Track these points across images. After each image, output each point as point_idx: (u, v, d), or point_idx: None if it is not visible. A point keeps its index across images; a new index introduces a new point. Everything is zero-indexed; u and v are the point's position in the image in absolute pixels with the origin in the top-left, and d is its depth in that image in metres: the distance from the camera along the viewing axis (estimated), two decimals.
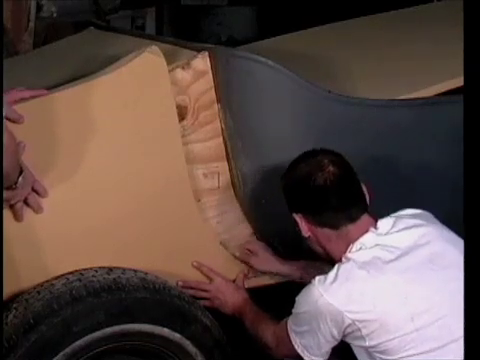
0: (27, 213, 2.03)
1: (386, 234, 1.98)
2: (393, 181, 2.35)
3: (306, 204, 2.01)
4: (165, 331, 2.09)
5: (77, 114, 2.09)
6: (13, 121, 1.98)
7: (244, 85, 2.23)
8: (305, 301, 1.95)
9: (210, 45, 2.29)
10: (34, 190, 2.02)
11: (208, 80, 2.21)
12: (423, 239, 1.97)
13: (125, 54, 2.19)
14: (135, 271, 2.14)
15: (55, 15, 4.09)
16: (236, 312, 2.27)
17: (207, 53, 2.21)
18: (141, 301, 2.06)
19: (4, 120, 1.75)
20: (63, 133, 2.07)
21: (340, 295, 1.88)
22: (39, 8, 3.96)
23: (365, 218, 1.99)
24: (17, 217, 2.02)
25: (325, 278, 1.92)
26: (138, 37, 2.59)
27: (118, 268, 2.13)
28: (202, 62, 2.20)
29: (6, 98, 1.94)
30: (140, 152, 2.17)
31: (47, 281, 2.07)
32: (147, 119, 2.16)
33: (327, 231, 2.00)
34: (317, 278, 1.93)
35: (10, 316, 2.02)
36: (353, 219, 1.98)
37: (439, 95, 2.43)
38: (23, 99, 2.06)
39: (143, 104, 2.14)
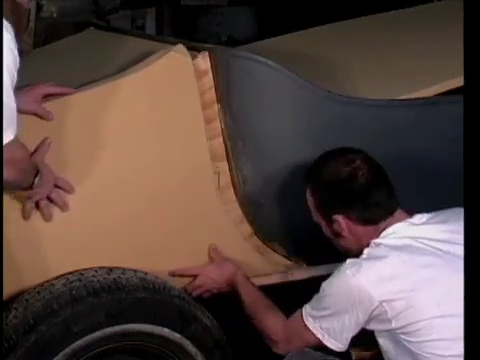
0: (56, 211, 2.06)
1: (420, 224, 2.03)
2: (393, 181, 2.34)
3: (350, 205, 2.03)
4: (165, 331, 2.09)
5: (104, 112, 2.11)
6: (42, 118, 2.02)
7: (244, 85, 2.23)
8: (335, 282, 1.98)
9: (210, 45, 2.29)
10: (59, 187, 2.04)
11: (208, 80, 2.21)
12: (459, 234, 1.97)
13: (125, 54, 2.20)
14: (135, 271, 2.14)
15: (55, 15, 4.08)
16: (230, 286, 2.26)
17: (207, 53, 2.20)
18: (141, 301, 2.06)
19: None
20: (91, 131, 2.10)
21: (371, 276, 1.93)
22: (39, 8, 3.96)
23: (401, 211, 2.06)
24: (43, 215, 2.05)
25: (356, 260, 1.97)
26: (138, 37, 2.59)
27: (118, 268, 2.13)
28: (202, 62, 2.20)
29: (33, 93, 2.02)
30: (166, 150, 2.19)
31: (47, 281, 2.08)
32: (173, 117, 2.18)
33: (366, 227, 2.03)
34: (349, 260, 1.97)
35: (10, 316, 2.02)
36: (392, 211, 2.04)
37: (439, 95, 2.43)
38: (50, 95, 2.08)
39: (169, 102, 2.17)
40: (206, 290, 2.30)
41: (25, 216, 2.03)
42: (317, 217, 2.11)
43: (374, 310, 1.92)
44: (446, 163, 2.37)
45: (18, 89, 1.90)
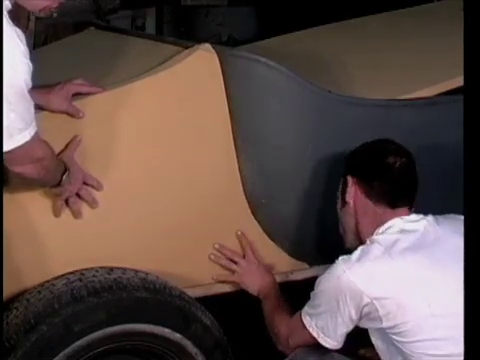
0: (83, 207, 2.09)
1: (415, 221, 2.05)
2: None
3: (366, 171, 2.08)
4: (166, 331, 2.09)
5: (133, 110, 2.14)
6: (73, 116, 2.05)
7: (244, 85, 2.23)
8: (327, 278, 2.00)
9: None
10: (87, 184, 2.07)
11: None
12: (453, 233, 2.00)
13: (125, 54, 2.21)
14: (136, 271, 2.14)
15: (55, 15, 4.08)
16: (261, 294, 2.28)
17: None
18: (142, 301, 2.06)
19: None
20: (119, 129, 2.12)
21: (362, 273, 1.95)
22: None
23: (404, 209, 2.07)
24: (73, 212, 2.08)
25: (349, 257, 1.98)
26: (138, 37, 2.60)
27: (119, 268, 2.13)
28: None
29: (63, 92, 2.06)
30: (194, 147, 2.21)
31: (48, 281, 2.08)
32: (201, 114, 2.21)
33: (368, 204, 2.06)
34: (341, 257, 1.99)
35: (11, 316, 2.02)
36: (393, 207, 2.05)
37: (440, 95, 2.43)
38: (79, 93, 2.10)
39: (197, 99, 2.19)
40: (239, 279, 2.31)
41: (55, 213, 2.06)
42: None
43: (365, 306, 1.94)
44: (446, 163, 2.37)
45: (49, 87, 2.02)
